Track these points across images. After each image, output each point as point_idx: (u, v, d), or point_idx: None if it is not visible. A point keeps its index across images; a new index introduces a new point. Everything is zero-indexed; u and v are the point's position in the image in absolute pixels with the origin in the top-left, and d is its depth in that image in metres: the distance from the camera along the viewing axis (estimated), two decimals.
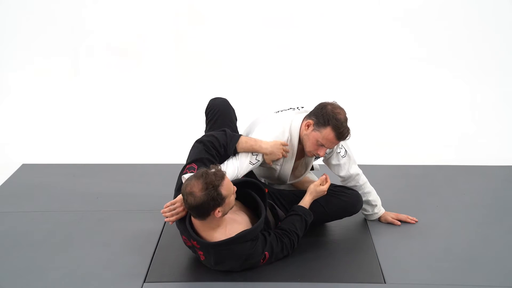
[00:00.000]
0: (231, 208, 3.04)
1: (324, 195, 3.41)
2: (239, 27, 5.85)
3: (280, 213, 3.36)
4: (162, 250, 3.38)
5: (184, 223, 3.09)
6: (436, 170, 4.59)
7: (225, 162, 3.28)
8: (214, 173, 2.93)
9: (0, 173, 4.48)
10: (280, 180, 3.57)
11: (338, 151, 3.53)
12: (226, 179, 2.96)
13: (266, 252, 3.15)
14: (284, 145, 3.36)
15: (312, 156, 3.46)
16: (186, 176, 3.14)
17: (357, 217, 3.78)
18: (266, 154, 3.33)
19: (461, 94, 5.65)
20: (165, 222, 3.65)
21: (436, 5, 5.78)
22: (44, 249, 3.39)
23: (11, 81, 5.76)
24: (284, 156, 3.38)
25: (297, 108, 3.51)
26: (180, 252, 3.32)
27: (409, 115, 5.53)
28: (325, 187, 3.35)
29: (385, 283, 3.10)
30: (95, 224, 3.69)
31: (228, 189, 2.97)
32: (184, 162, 3.30)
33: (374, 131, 5.37)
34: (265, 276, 3.13)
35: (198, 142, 3.30)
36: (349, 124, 3.32)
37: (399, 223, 3.68)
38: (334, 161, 3.56)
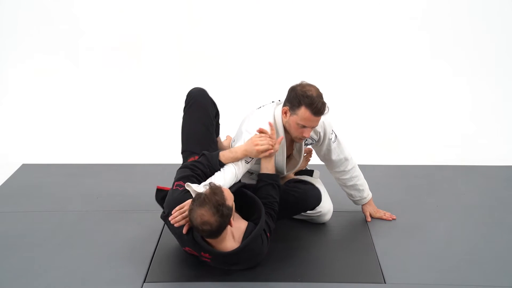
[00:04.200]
0: None
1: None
2: (239, 25, 5.85)
3: (250, 194, 3.32)
4: (162, 250, 3.38)
5: (193, 239, 3.04)
6: (436, 170, 4.59)
7: (222, 169, 3.26)
8: (212, 192, 2.90)
9: (0, 173, 4.49)
10: (278, 172, 3.57)
11: (330, 137, 3.55)
12: (224, 190, 2.96)
13: (268, 234, 3.17)
14: (263, 132, 3.30)
15: (300, 141, 3.45)
16: (195, 187, 3.07)
17: (357, 217, 3.79)
18: (247, 156, 3.29)
19: (461, 94, 5.65)
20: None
21: (437, 4, 5.78)
22: (44, 249, 3.39)
23: (11, 81, 5.75)
24: (271, 144, 3.28)
25: (278, 100, 3.52)
26: (180, 252, 3.31)
27: (409, 115, 5.53)
28: (254, 143, 3.22)
29: (385, 283, 3.10)
30: (95, 224, 3.69)
31: (231, 198, 2.98)
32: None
33: (374, 131, 5.37)
34: (265, 276, 3.13)
35: (182, 167, 3.29)
36: (325, 99, 3.27)
37: (369, 219, 3.74)
38: (325, 147, 3.57)
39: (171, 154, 4.58)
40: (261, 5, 5.83)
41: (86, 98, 5.68)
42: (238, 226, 3.11)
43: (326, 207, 3.65)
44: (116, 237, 3.52)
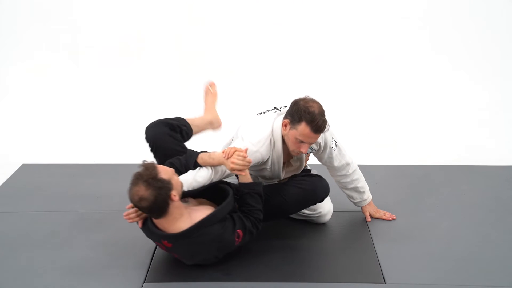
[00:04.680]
0: (183, 189, 3.04)
1: (283, 186, 3.42)
2: (239, 24, 5.85)
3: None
4: (162, 250, 3.37)
5: (148, 230, 3.07)
6: (436, 170, 4.58)
7: (197, 169, 3.24)
8: (145, 168, 2.93)
9: (0, 173, 4.49)
10: (273, 177, 3.57)
11: (331, 145, 3.55)
12: (159, 166, 2.97)
13: (238, 230, 3.12)
14: (239, 151, 3.21)
15: (297, 155, 3.45)
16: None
17: (357, 217, 3.79)
18: (222, 165, 3.25)
19: (462, 94, 5.65)
20: None
21: (441, 4, 5.78)
22: (44, 249, 3.39)
23: (11, 80, 5.75)
24: (245, 167, 3.20)
25: (279, 109, 3.51)
26: None
27: (410, 115, 5.53)
28: (231, 160, 3.17)
29: (385, 283, 3.10)
30: (95, 224, 3.69)
31: (166, 172, 2.97)
32: None
33: (374, 131, 5.37)
34: (265, 276, 3.13)
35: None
36: (327, 117, 3.25)
37: (369, 219, 3.75)
38: (326, 155, 3.57)
39: None
40: (261, 5, 5.83)
41: (86, 97, 5.68)
42: (203, 212, 3.08)
43: (326, 207, 3.66)
44: (116, 237, 3.52)
